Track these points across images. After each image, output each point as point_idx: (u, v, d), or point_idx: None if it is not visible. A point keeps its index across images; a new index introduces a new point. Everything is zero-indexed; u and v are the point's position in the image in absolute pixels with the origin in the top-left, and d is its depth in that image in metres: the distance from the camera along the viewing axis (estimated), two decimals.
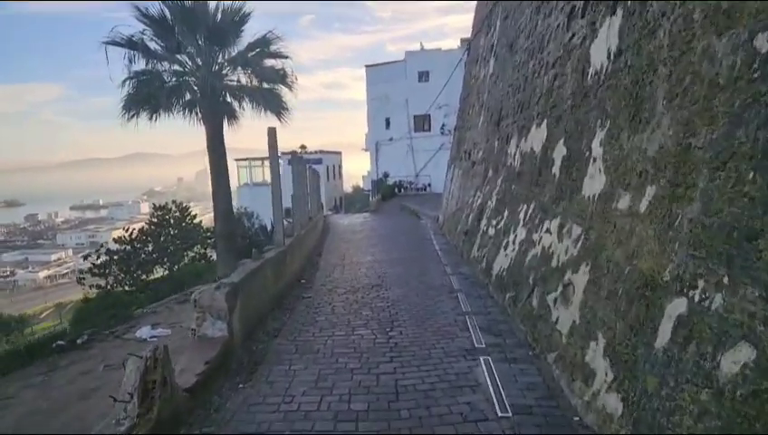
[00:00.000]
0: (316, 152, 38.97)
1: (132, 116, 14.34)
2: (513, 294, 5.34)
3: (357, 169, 52.00)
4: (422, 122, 35.51)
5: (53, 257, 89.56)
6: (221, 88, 14.86)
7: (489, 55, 12.88)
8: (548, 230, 4.83)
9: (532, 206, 5.81)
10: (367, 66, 36.69)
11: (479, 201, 10.45)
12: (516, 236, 6.08)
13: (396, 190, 33.39)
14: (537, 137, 6.26)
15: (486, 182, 10.26)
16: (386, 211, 26.93)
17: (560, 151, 5.08)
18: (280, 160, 24.67)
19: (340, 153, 45.17)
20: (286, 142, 40.07)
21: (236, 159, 37.38)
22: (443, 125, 34.24)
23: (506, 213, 7.29)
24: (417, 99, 33.66)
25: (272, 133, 6.70)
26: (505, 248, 6.47)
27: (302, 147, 41.55)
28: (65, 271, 78.01)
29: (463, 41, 31.82)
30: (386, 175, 34.45)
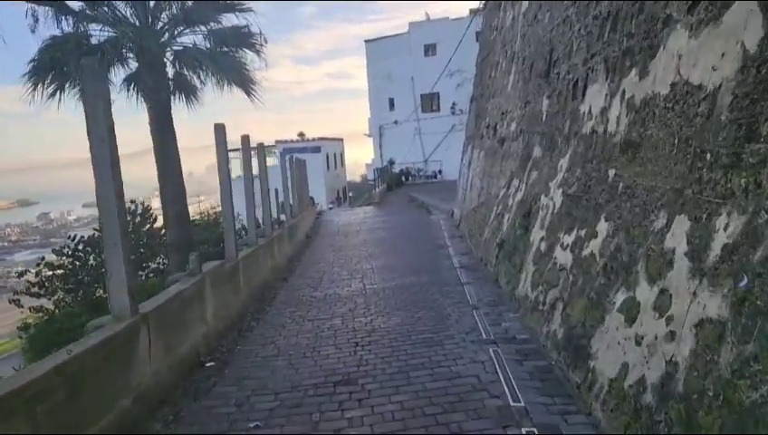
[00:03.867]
0: (314, 139, 35.29)
1: (54, 93, 10.82)
2: None
3: (365, 158, 48.35)
4: (430, 102, 31.61)
5: None
6: (161, 52, 11.25)
7: None
8: None
9: (737, 219, 2.16)
10: (367, 41, 32.79)
11: (520, 196, 6.79)
12: (688, 305, 2.41)
13: (403, 179, 29.71)
14: (712, 48, 2.57)
15: (532, 165, 6.59)
16: (391, 204, 23.28)
17: None
18: (275, 151, 20.62)
19: (341, 140, 41.38)
20: (287, 133, 36.54)
21: (228, 150, 33.88)
22: (453, 103, 30.37)
23: (605, 226, 3.63)
24: (424, 75, 29.69)
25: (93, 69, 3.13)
26: (632, 321, 2.81)
27: (300, 134, 38.05)
28: None
29: (472, 11, 27.82)
30: (391, 162, 30.72)
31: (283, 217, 11.36)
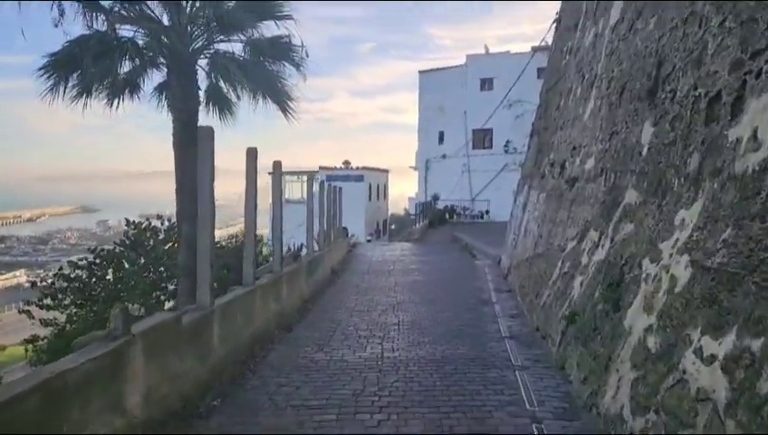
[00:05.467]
0: (358, 168, 34.27)
1: (80, 95, 10.01)
2: None
3: (410, 192, 47.10)
4: (482, 138, 30.04)
5: None
6: (192, 58, 10.31)
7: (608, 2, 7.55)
8: None
9: None
10: (420, 72, 31.86)
11: (602, 254, 5.03)
12: None
13: (446, 216, 27.97)
14: None
15: (622, 215, 4.86)
16: (432, 242, 21.60)
17: None
18: (318, 177, 19.55)
19: (386, 171, 40.21)
20: (337, 162, 35.91)
21: (269, 173, 33.42)
22: (507, 141, 28.67)
23: None
24: (478, 110, 28.26)
25: None
26: None
27: (345, 162, 37.26)
28: None
29: (534, 48, 26.36)
30: (435, 197, 29.10)
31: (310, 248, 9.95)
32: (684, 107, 4.03)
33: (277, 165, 6.98)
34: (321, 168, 33.40)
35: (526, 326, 6.58)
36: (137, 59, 9.92)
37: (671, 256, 3.46)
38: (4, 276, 50.76)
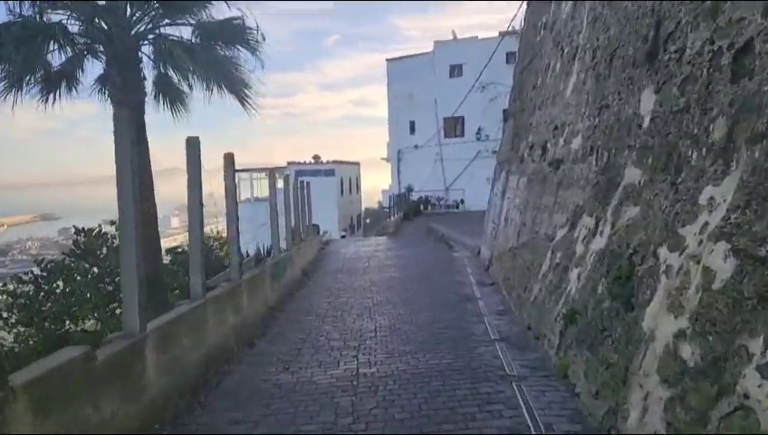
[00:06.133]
0: (328, 162, 33.32)
1: (5, 90, 8.88)
2: None
3: (383, 184, 46.35)
4: (453, 126, 29.50)
5: None
6: (134, 44, 9.29)
7: None
8: None
9: None
10: (388, 60, 31.06)
11: (602, 242, 4.42)
12: None
13: (421, 208, 27.39)
14: None
15: (623, 196, 4.26)
16: (407, 235, 20.95)
17: None
18: (286, 173, 18.49)
19: (357, 164, 39.31)
20: (306, 156, 34.76)
21: (236, 171, 32.10)
22: (479, 128, 28.23)
23: None
24: (448, 98, 27.70)
25: None
26: None
27: (315, 157, 36.27)
28: None
29: (501, 33, 25.90)
30: (410, 189, 28.48)
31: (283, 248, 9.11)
32: (697, 66, 3.41)
33: (228, 157, 6.15)
34: (289, 163, 32.35)
35: (516, 325, 5.97)
36: (67, 46, 8.85)
37: (700, 243, 2.84)
38: None
